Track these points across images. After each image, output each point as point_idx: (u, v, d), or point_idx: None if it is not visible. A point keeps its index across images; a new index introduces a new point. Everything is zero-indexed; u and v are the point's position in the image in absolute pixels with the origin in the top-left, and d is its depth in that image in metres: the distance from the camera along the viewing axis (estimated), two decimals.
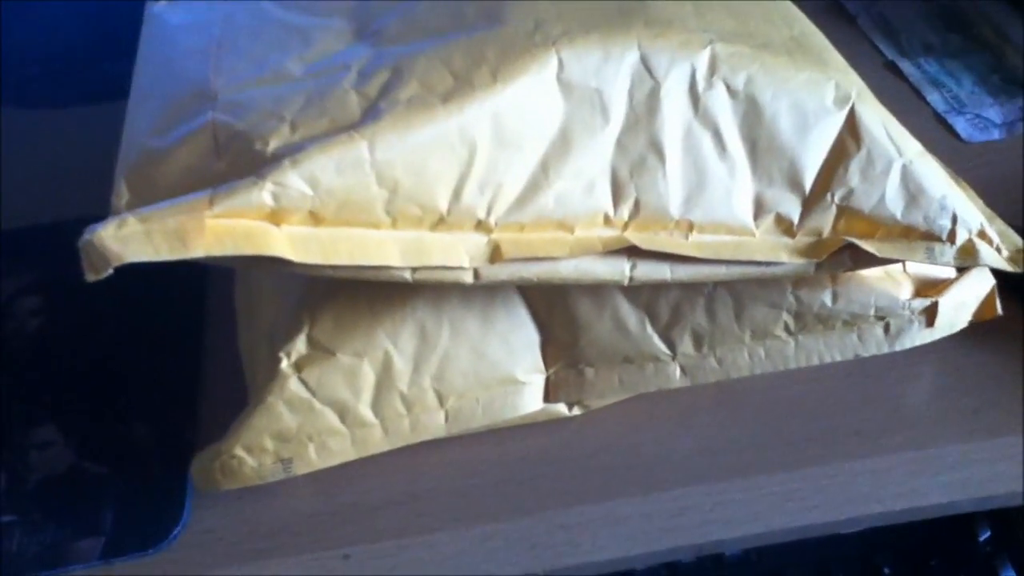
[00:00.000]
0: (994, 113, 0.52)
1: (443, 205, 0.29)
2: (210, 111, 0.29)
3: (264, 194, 0.27)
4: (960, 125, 0.51)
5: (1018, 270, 0.34)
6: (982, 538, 0.43)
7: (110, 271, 0.25)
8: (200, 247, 0.26)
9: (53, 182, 0.51)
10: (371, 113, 0.29)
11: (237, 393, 0.37)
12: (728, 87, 0.32)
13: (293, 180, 0.27)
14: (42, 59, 0.60)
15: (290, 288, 0.36)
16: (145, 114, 0.31)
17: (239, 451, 0.33)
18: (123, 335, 0.42)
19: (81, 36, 0.62)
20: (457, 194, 0.30)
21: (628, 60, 0.31)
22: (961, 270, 0.37)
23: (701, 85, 0.32)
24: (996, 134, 0.51)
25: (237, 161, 0.28)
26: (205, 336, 0.42)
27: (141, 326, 0.42)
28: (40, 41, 0.62)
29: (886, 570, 0.42)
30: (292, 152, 0.27)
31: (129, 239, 0.25)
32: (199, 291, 0.43)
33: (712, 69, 0.32)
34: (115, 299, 0.43)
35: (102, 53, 0.60)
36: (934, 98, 0.53)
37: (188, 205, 0.26)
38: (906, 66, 0.55)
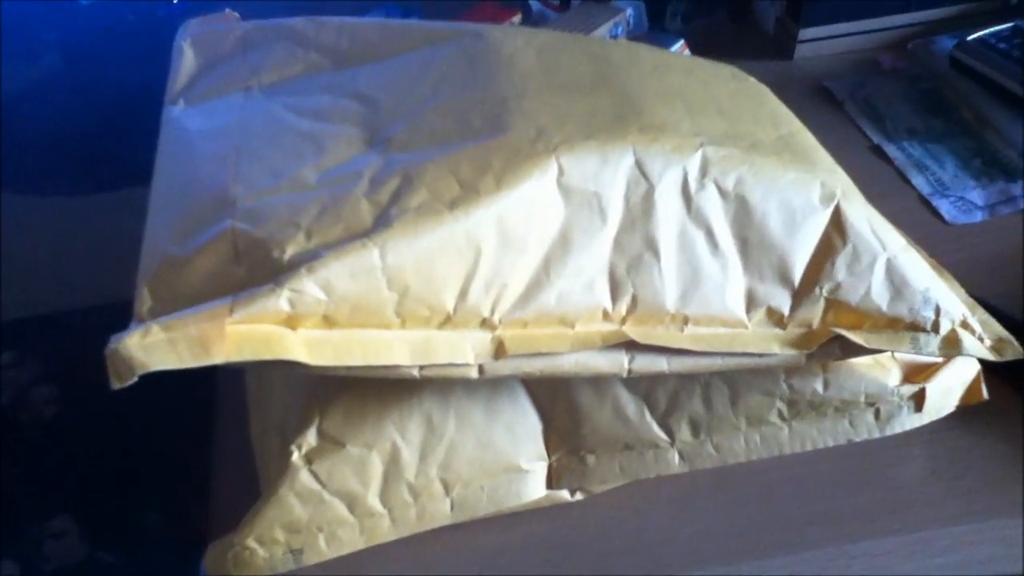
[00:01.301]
0: (976, 196, 0.54)
1: (450, 305, 0.31)
2: (229, 219, 0.31)
3: (281, 301, 0.28)
4: (944, 207, 0.53)
5: (1000, 359, 0.35)
6: None
7: (135, 379, 0.27)
8: (221, 353, 0.27)
9: (60, 269, 0.53)
10: (382, 220, 0.30)
11: (248, 481, 0.37)
12: (719, 188, 0.34)
13: (309, 287, 0.29)
14: (56, 150, 0.62)
15: (301, 383, 0.37)
16: (165, 220, 0.33)
17: (251, 542, 0.34)
18: (136, 424, 0.43)
19: (92, 130, 0.64)
20: (463, 294, 0.31)
21: (624, 164, 0.33)
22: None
23: (693, 186, 0.34)
24: (979, 216, 0.52)
25: (255, 268, 0.30)
26: (216, 424, 0.43)
27: (153, 414, 0.43)
28: (54, 134, 0.64)
29: None
30: (308, 259, 0.29)
31: (153, 348, 0.27)
32: (210, 379, 0.45)
33: (704, 171, 0.34)
34: (128, 387, 0.44)
35: (112, 145, 0.63)
36: (918, 181, 0.55)
37: (209, 313, 0.28)
38: (891, 149, 0.58)
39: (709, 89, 0.40)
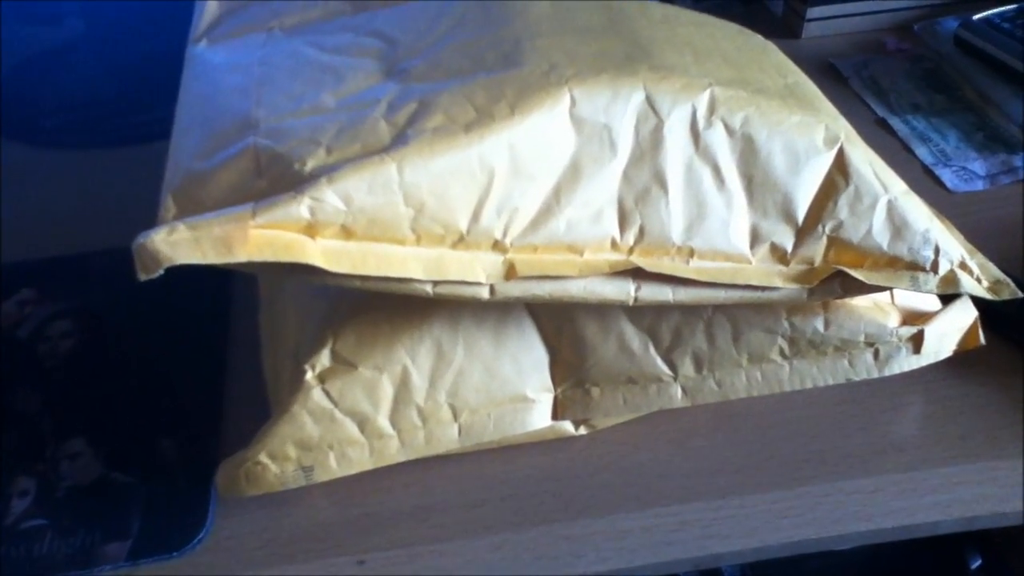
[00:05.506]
0: (978, 166, 0.55)
1: (463, 225, 0.32)
2: (252, 137, 0.32)
3: (302, 208, 0.29)
4: (946, 176, 0.54)
5: (996, 298, 0.36)
6: (973, 566, 0.45)
7: (160, 272, 0.28)
8: (243, 253, 0.28)
9: (80, 216, 0.54)
10: (400, 139, 0.31)
11: (257, 411, 0.39)
12: (726, 126, 0.35)
13: (329, 196, 0.30)
14: (77, 107, 0.64)
15: (315, 309, 0.38)
16: (189, 141, 0.34)
17: (263, 458, 0.35)
18: (149, 357, 0.44)
19: (111, 88, 0.66)
20: (476, 216, 0.32)
21: (635, 99, 0.34)
22: (946, 302, 0.40)
23: (701, 124, 0.35)
24: (980, 185, 0.53)
25: (277, 180, 0.31)
26: (228, 358, 0.44)
27: (166, 349, 0.44)
28: (76, 91, 0.65)
29: None
30: (328, 171, 0.30)
31: (179, 244, 0.28)
32: (223, 316, 0.46)
33: (711, 109, 0.35)
34: (142, 323, 0.45)
35: (129, 103, 0.64)
36: (922, 152, 0.56)
37: (233, 216, 0.29)
38: (895, 122, 0.59)
39: (716, 41, 0.41)
